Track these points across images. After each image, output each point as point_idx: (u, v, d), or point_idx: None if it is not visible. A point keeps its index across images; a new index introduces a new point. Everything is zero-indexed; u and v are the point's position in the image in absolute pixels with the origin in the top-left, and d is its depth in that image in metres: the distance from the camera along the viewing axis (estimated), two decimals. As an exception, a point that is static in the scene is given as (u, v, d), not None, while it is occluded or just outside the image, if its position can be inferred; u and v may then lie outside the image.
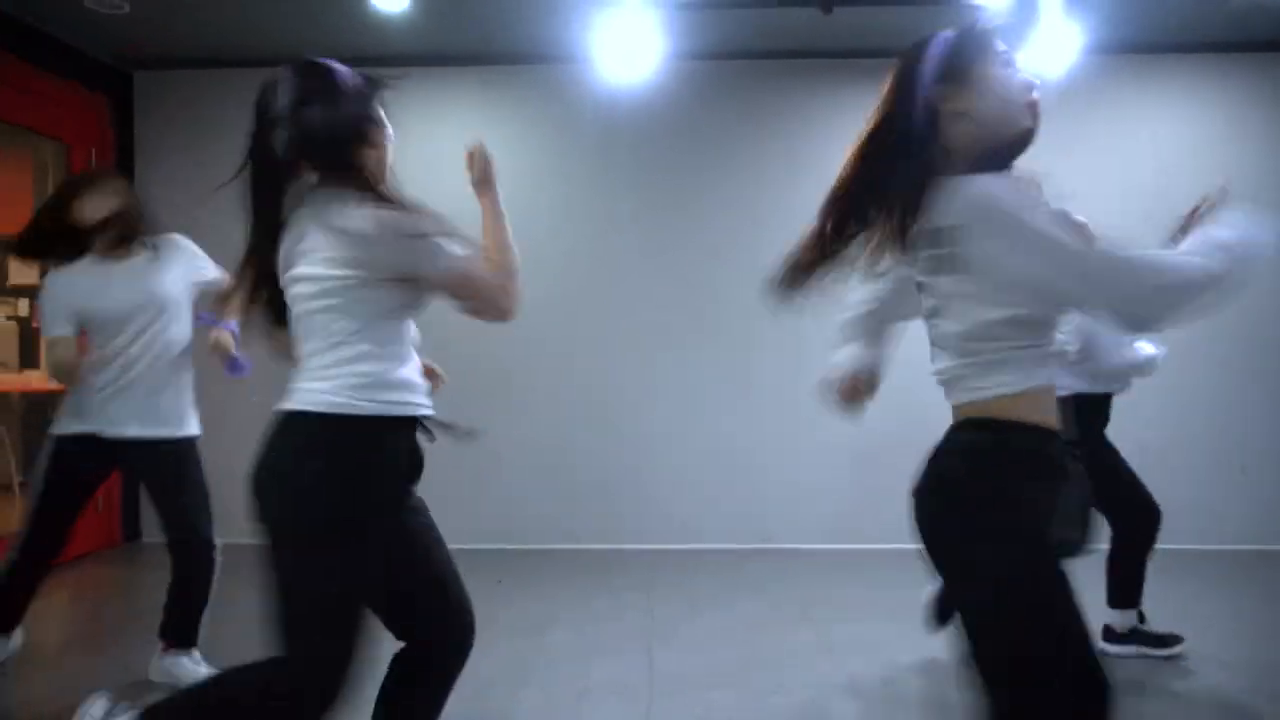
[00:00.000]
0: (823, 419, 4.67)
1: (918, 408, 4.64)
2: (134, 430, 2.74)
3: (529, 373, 4.84)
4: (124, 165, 4.89)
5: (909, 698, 2.79)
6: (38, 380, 4.68)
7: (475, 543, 4.62)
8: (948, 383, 1.39)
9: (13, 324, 5.16)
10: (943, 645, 3.04)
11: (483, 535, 4.62)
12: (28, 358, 4.92)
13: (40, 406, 4.84)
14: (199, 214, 4.79)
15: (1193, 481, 4.64)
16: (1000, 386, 1.31)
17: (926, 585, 2.93)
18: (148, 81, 4.97)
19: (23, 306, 5.13)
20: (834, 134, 4.64)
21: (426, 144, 4.97)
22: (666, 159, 4.87)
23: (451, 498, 4.87)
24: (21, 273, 4.81)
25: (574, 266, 4.86)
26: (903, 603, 3.25)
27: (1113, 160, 4.76)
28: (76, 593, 4.20)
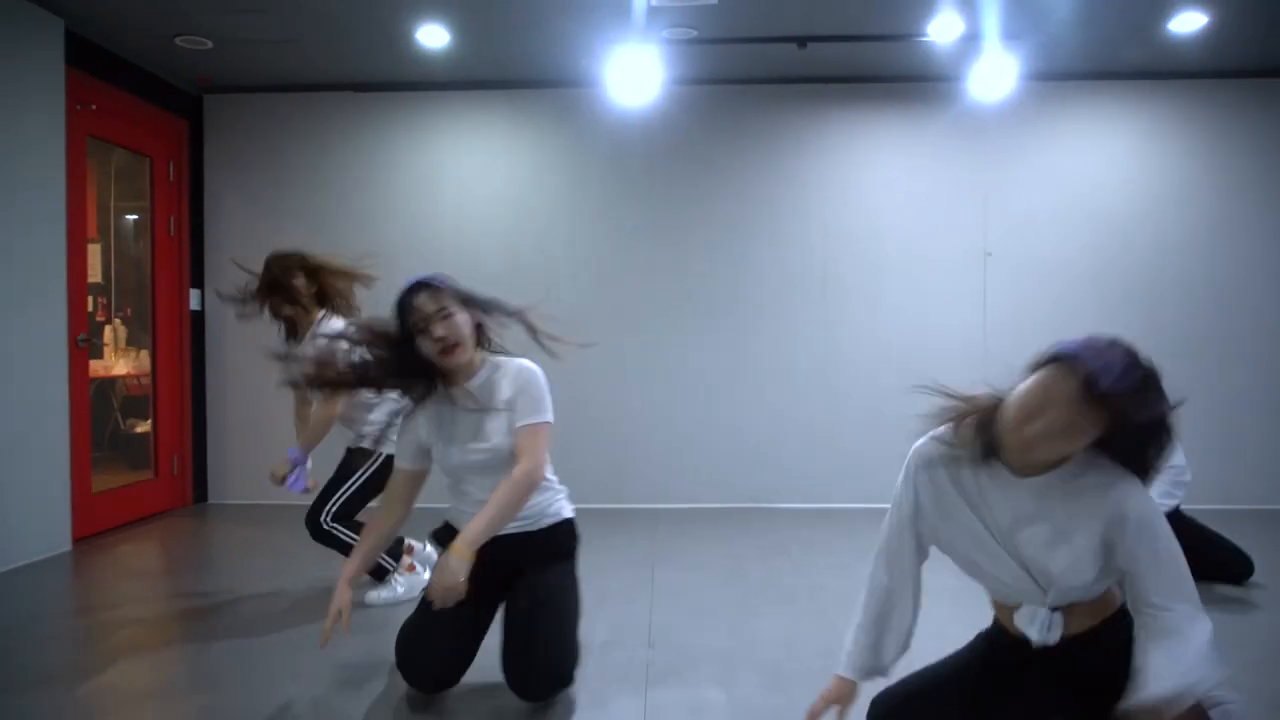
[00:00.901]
0: (802, 399, 5.46)
1: (878, 392, 5.44)
2: None
3: (552, 357, 5.56)
4: (195, 178, 5.64)
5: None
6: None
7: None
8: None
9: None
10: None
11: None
12: (95, 348, 5.57)
13: (103, 391, 5.54)
14: (262, 221, 5.59)
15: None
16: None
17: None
18: (216, 104, 5.71)
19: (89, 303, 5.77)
20: (812, 147, 5.46)
21: (464, 156, 5.76)
22: (668, 169, 5.59)
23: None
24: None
25: (588, 263, 5.59)
26: (861, 545, 3.98)
27: (1050, 179, 5.49)
28: (172, 539, 4.91)
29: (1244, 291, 5.45)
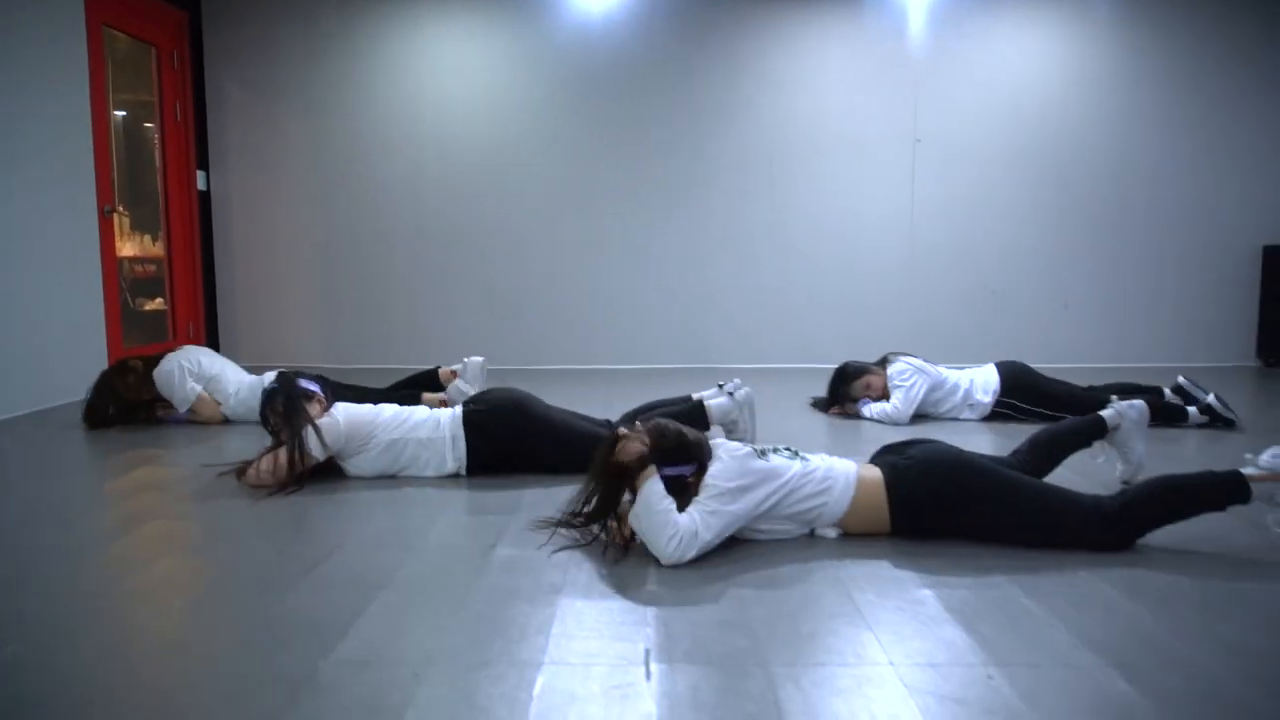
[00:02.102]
0: (751, 271, 6.12)
1: (816, 266, 6.12)
2: None
3: (529, 231, 6.21)
4: (196, 67, 6.13)
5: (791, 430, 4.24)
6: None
7: (493, 364, 6.10)
8: None
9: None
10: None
11: (502, 359, 6.10)
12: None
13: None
14: (259, 107, 6.11)
15: (1028, 315, 6.13)
16: None
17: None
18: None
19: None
20: (762, 42, 5.98)
21: (446, 47, 6.24)
22: (631, 64, 6.11)
23: (479, 330, 6.37)
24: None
25: (558, 149, 6.17)
26: (792, 391, 4.70)
27: (975, 71, 6.06)
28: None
29: (1151, 173, 6.10)
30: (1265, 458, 2.22)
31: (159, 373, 4.09)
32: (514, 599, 1.96)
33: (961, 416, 4.17)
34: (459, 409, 3.11)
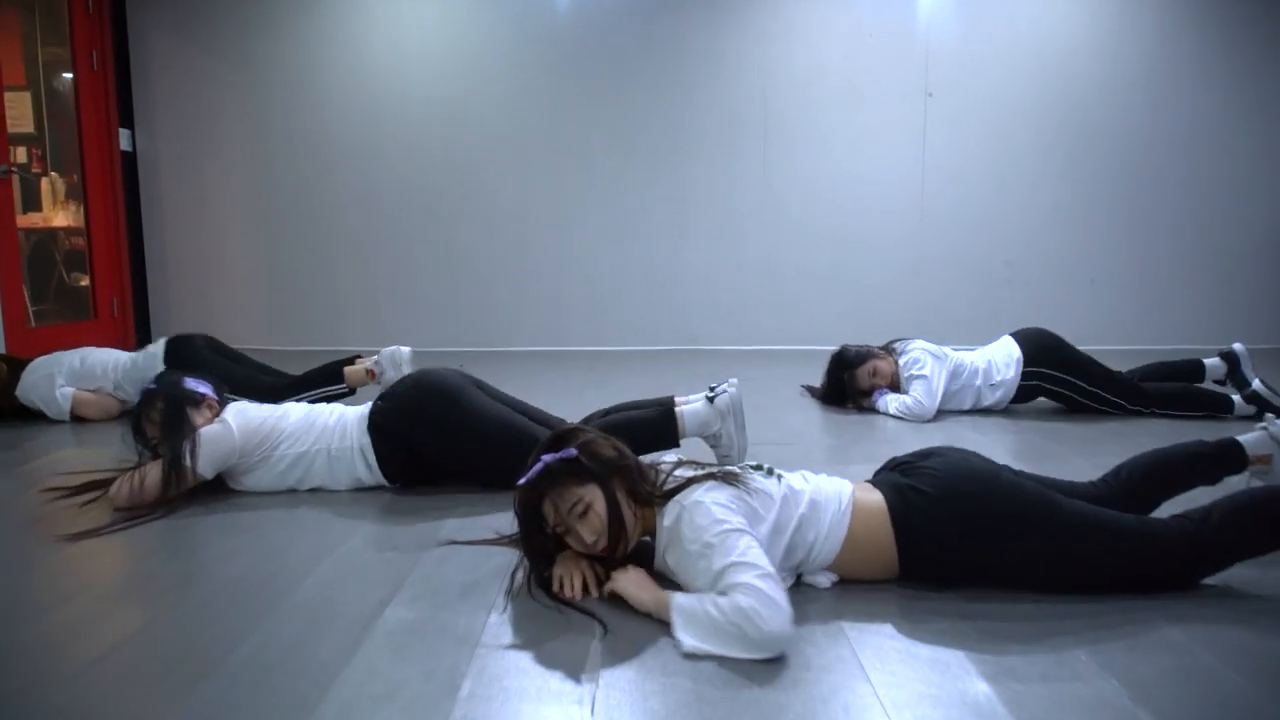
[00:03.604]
0: (740, 243, 5.50)
1: (812, 237, 5.50)
2: None
3: (495, 196, 5.55)
4: (118, 12, 5.43)
5: (767, 410, 3.63)
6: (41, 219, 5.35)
7: (456, 346, 5.46)
8: None
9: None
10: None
11: (465, 339, 5.46)
12: (31, 201, 5.48)
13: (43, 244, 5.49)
14: (189, 54, 5.43)
15: (1050, 291, 5.52)
16: None
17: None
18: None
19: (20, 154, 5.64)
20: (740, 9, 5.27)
21: (398, 21, 5.52)
22: (605, 14, 5.44)
23: (440, 306, 5.73)
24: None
25: (531, 111, 5.49)
26: (784, 376, 4.10)
27: (992, 17, 5.39)
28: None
29: (1187, 132, 5.46)
30: None
31: (22, 389, 3.47)
32: (400, 694, 1.35)
33: (986, 404, 3.57)
34: (365, 409, 2.48)
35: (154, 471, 2.28)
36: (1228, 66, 5.40)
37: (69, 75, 5.30)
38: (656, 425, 2.51)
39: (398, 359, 3.46)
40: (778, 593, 1.48)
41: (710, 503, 1.63)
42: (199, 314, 5.73)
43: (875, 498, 1.78)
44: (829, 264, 5.53)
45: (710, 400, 2.55)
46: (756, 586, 1.47)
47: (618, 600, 1.66)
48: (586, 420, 2.62)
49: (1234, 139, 5.46)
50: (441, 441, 2.39)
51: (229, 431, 2.36)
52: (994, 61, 5.40)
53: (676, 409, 2.55)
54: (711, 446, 2.60)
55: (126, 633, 1.60)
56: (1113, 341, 5.51)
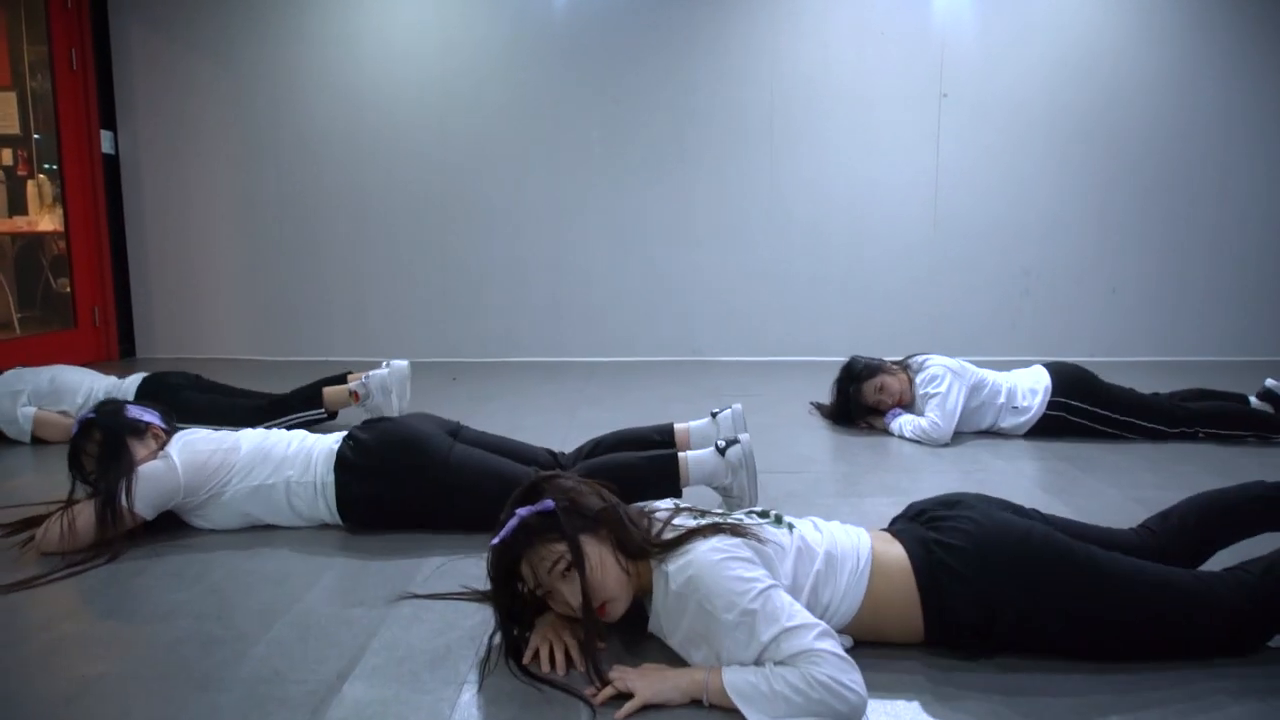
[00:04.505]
0: (746, 252, 5.28)
1: (820, 244, 5.29)
2: None
3: (491, 201, 5.33)
4: (99, 10, 5.22)
5: (777, 437, 3.41)
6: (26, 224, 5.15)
7: (449, 356, 5.25)
8: None
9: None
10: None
11: (459, 350, 5.25)
12: (18, 204, 5.29)
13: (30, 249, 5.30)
14: (173, 53, 5.24)
15: (1069, 301, 5.28)
16: None
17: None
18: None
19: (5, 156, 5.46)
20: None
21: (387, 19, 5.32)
22: (607, 9, 5.22)
23: (432, 315, 5.54)
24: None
25: (528, 111, 5.27)
26: (793, 390, 3.87)
27: (1009, 15, 5.14)
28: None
29: (1218, 136, 5.22)
30: None
31: None
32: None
33: (1002, 425, 3.35)
34: (335, 443, 2.25)
35: (86, 512, 2.06)
36: (1258, 61, 5.15)
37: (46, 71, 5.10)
38: (655, 473, 2.23)
39: (388, 385, 3.24)
40: (841, 650, 1.34)
41: (730, 560, 1.42)
42: (183, 324, 5.52)
43: (897, 552, 1.57)
44: (838, 271, 5.30)
45: (721, 451, 2.26)
46: (824, 652, 1.32)
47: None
48: (576, 454, 2.40)
49: (1264, 139, 5.21)
50: (403, 491, 2.17)
51: (172, 468, 2.14)
52: (1011, 61, 5.16)
53: (680, 456, 2.27)
54: (721, 496, 2.35)
55: (34, 714, 1.38)
56: (1135, 353, 5.27)
